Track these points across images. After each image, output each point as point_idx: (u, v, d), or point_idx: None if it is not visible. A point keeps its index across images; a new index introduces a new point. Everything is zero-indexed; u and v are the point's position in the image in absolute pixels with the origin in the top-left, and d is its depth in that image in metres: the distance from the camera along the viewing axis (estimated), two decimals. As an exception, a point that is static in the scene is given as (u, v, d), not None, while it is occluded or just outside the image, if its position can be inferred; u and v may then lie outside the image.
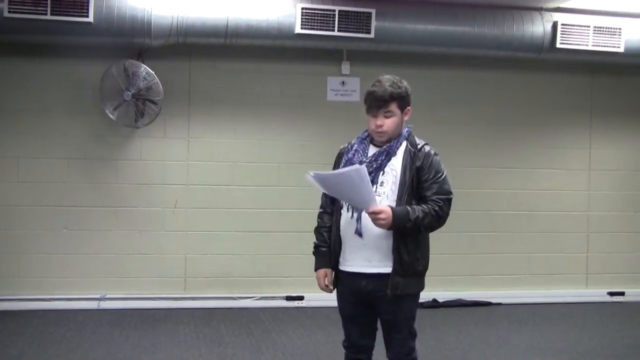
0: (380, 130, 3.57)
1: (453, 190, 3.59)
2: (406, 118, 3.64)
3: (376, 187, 3.53)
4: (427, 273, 3.66)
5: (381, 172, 3.56)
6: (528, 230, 7.87)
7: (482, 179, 7.77)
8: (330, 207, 3.75)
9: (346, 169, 3.41)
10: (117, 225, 7.13)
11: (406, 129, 3.67)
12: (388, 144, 3.60)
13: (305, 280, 7.19)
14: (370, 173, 3.49)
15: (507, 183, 7.85)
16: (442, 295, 7.47)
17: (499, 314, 7.32)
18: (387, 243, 3.50)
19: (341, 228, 3.65)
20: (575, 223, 7.99)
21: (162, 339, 6.05)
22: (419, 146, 3.60)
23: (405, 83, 3.64)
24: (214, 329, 6.43)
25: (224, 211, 7.30)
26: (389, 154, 3.57)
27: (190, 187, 7.24)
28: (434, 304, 7.38)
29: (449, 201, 3.55)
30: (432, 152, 3.61)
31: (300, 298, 7.35)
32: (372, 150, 3.63)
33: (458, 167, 7.36)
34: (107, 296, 7.04)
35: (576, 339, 6.39)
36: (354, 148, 3.68)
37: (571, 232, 7.98)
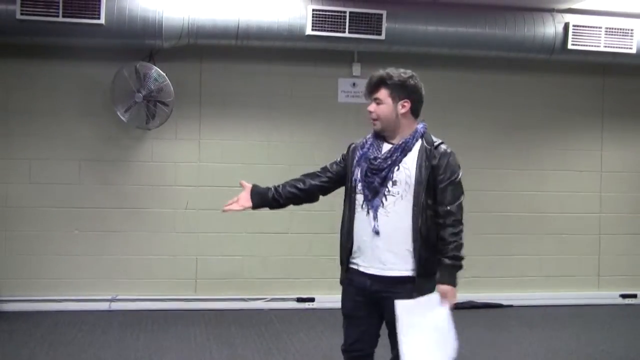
0: (371, 116, 3.55)
1: (465, 192, 3.56)
2: (402, 110, 3.52)
3: (389, 186, 3.48)
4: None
5: (396, 168, 3.49)
6: (539, 232, 7.84)
7: (493, 181, 7.73)
8: (326, 181, 3.83)
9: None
10: (128, 227, 7.14)
11: (422, 125, 3.59)
12: (404, 141, 3.53)
13: (316, 282, 7.25)
14: (384, 169, 3.48)
15: (518, 185, 7.82)
16: (453, 297, 7.43)
17: (510, 316, 7.31)
18: (402, 245, 3.46)
19: (355, 226, 3.59)
20: (586, 225, 7.95)
21: (172, 340, 6.07)
22: (435, 144, 3.53)
23: (410, 77, 3.54)
24: (225, 330, 6.44)
25: (235, 212, 7.27)
26: (404, 150, 3.51)
27: (201, 188, 7.23)
28: (445, 306, 7.36)
29: (460, 206, 3.49)
30: (449, 150, 3.53)
31: (311, 300, 7.35)
32: (386, 147, 3.56)
33: (469, 169, 7.18)
34: (118, 297, 7.05)
35: (588, 341, 6.37)
36: (368, 143, 3.62)
37: (583, 234, 7.94)
